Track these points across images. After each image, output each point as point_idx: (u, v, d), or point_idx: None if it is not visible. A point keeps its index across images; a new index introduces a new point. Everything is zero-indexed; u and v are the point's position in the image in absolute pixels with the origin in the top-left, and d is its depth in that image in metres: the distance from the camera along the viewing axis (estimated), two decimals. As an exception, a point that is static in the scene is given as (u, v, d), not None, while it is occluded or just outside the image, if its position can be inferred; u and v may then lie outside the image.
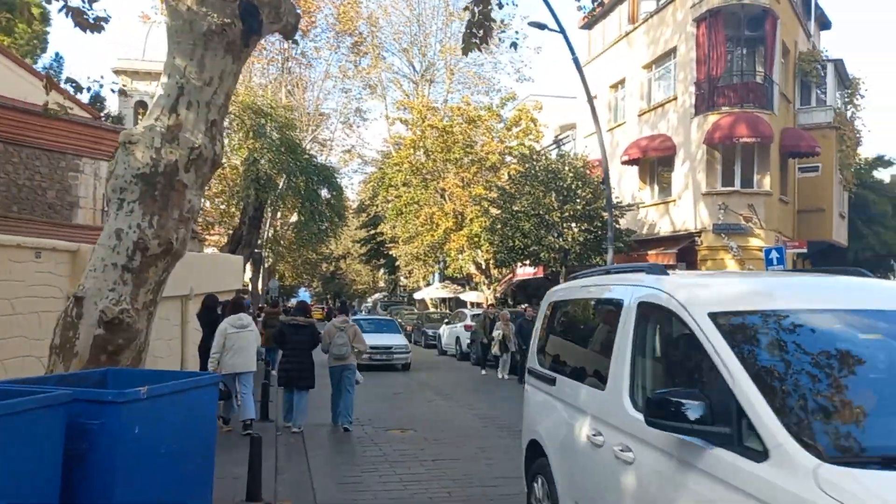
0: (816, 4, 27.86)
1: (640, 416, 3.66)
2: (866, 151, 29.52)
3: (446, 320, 29.08)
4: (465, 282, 37.61)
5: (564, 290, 6.15)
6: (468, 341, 24.36)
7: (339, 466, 8.71)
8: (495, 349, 19.43)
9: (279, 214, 32.36)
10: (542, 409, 5.64)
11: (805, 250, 21.64)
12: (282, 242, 44.44)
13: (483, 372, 20.10)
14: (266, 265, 44.31)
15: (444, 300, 45.18)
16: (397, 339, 21.16)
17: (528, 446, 5.82)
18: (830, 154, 24.13)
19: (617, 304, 4.60)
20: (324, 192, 23.27)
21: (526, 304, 24.44)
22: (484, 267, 33.08)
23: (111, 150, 22.32)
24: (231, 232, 23.04)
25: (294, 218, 28.47)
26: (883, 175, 31.73)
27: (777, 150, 22.20)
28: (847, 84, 25.95)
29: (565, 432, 4.98)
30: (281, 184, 21.18)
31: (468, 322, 25.36)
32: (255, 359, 10.49)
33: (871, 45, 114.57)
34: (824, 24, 29.51)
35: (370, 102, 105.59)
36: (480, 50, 9.55)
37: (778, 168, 22.52)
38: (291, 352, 10.71)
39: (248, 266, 41.27)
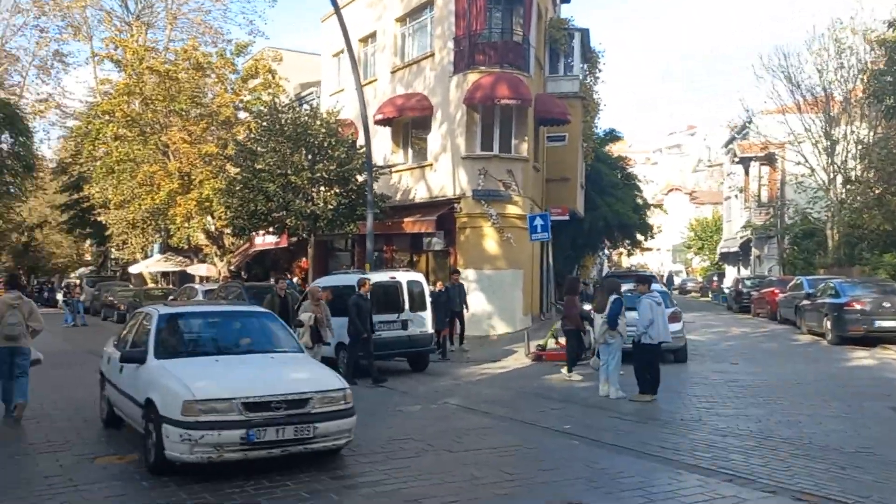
0: (560, -25, 28.18)
1: None
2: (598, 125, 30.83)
3: (171, 297, 24.94)
4: (193, 253, 33.15)
5: None
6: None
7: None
8: (304, 339, 13.52)
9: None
10: None
11: (567, 217, 21.46)
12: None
13: None
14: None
15: (166, 274, 39.92)
16: (311, 374, 7.64)
17: None
18: (577, 124, 24.37)
19: None
20: (5, 138, 17.96)
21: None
22: (216, 236, 29.18)
23: None
24: None
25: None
26: (612, 150, 33.63)
27: (532, 116, 21.67)
28: (588, 56, 26.51)
29: None
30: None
31: (199, 299, 21.72)
32: None
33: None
34: (565, -4, 30.06)
35: (73, 45, 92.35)
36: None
37: (533, 134, 22.05)
38: None
39: None
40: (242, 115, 28.29)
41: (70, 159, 39.85)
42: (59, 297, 46.10)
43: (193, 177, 26.92)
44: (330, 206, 20.20)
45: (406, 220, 21.71)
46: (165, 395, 6.65)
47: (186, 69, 26.79)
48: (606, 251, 55.54)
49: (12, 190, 23.48)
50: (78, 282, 36.03)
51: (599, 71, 27.28)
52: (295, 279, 26.36)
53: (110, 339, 9.61)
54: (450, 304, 16.89)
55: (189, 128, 26.66)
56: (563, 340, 16.32)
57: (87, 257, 62.32)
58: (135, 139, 27.35)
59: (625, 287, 12.36)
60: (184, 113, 26.62)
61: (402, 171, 23.31)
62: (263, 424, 6.46)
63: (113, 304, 31.96)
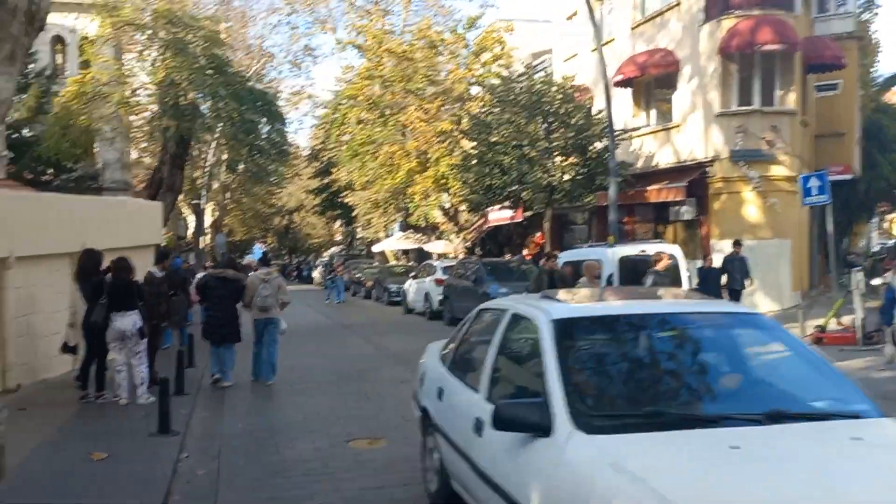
0: None
1: None
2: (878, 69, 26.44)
3: (413, 274, 25.53)
4: (431, 231, 33.95)
5: None
6: (440, 297, 20.92)
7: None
8: None
9: (212, 153, 28.00)
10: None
11: (850, 177, 18.55)
12: (226, 194, 40.27)
13: None
14: (213, 218, 40.27)
15: (405, 252, 41.57)
16: None
17: None
18: (853, 69, 20.93)
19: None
20: (263, 126, 19.21)
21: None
22: (452, 213, 29.47)
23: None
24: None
25: (225, 155, 24.40)
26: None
27: (799, 62, 18.89)
28: (865, -11, 22.67)
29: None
30: (207, 111, 17.10)
31: (439, 276, 21.89)
32: None
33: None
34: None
35: (320, 38, 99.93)
36: None
37: (800, 84, 19.24)
38: (215, 305, 10.49)
39: (192, 218, 37.24)
40: (475, 90, 28.14)
41: (321, 145, 42.77)
42: (315, 274, 50.16)
43: (430, 155, 27.32)
44: (567, 177, 19.20)
45: (650, 188, 20.07)
46: None
47: (421, 48, 27.12)
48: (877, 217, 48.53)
49: (273, 178, 25.29)
50: (341, 260, 37.95)
51: (878, 6, 23.24)
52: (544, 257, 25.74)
53: (431, 349, 6.06)
54: (728, 282, 14.68)
55: (425, 106, 27.01)
56: (846, 320, 14.02)
57: (338, 237, 67.36)
58: (375, 121, 28.34)
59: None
60: (419, 92, 27.02)
61: (643, 135, 21.61)
62: None
63: (360, 281, 33.85)
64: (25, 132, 27.31)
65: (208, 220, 39.51)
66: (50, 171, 26.50)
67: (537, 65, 29.94)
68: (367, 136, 28.60)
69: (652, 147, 21.31)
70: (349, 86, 30.10)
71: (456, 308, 19.47)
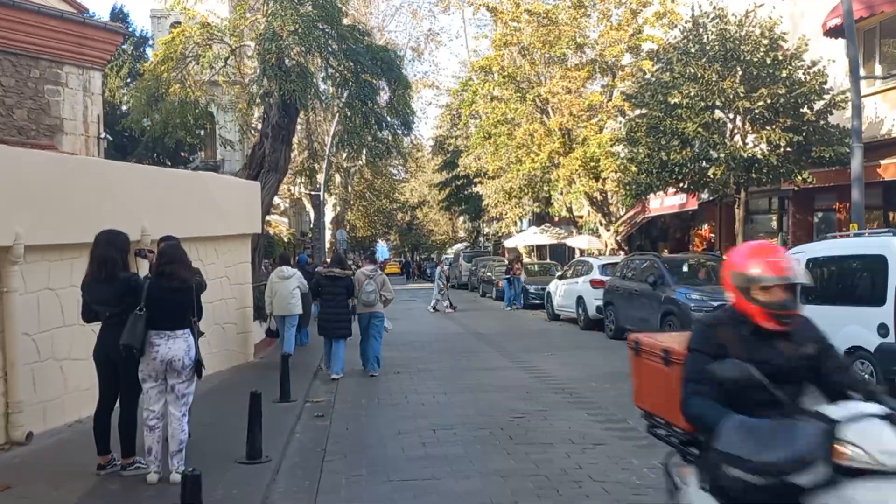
0: None
1: None
2: None
3: (559, 274, 21.50)
4: (573, 224, 29.69)
5: None
6: (599, 303, 16.81)
7: None
8: None
9: (330, 136, 24.99)
10: None
11: None
12: (348, 188, 37.83)
13: None
14: (334, 213, 37.92)
15: (537, 248, 37.51)
16: None
17: None
18: None
19: None
20: (383, 90, 15.82)
21: None
22: (600, 202, 25.12)
23: (103, 57, 15.48)
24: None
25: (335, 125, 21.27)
26: None
27: None
28: None
29: None
30: (316, 71, 13.81)
31: (596, 276, 17.77)
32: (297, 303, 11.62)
33: None
34: None
35: (442, 21, 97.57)
36: None
37: None
38: (328, 302, 10.72)
39: (309, 210, 34.88)
40: (628, 58, 23.73)
41: (446, 133, 39.70)
42: (438, 271, 46.90)
43: (575, 134, 23.22)
44: (779, 146, 14.54)
45: (884, 162, 15.10)
46: None
47: (567, 8, 23.02)
48: None
49: (395, 157, 22.06)
50: (523, 256, 31.73)
51: None
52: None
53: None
54: None
55: (570, 75, 22.87)
56: None
57: (461, 234, 64.23)
58: (511, 97, 24.52)
59: None
60: (563, 60, 22.95)
61: (866, 95, 16.53)
62: None
63: (490, 280, 30.25)
64: (145, 122, 25.64)
65: (329, 215, 37.18)
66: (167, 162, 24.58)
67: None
68: (501, 114, 24.78)
69: (881, 110, 16.22)
70: (481, 58, 26.44)
71: (622, 317, 15.32)
